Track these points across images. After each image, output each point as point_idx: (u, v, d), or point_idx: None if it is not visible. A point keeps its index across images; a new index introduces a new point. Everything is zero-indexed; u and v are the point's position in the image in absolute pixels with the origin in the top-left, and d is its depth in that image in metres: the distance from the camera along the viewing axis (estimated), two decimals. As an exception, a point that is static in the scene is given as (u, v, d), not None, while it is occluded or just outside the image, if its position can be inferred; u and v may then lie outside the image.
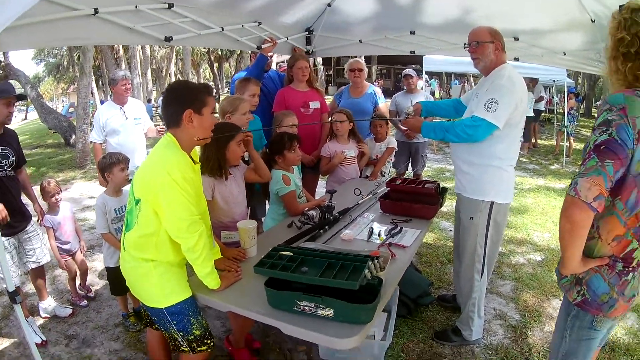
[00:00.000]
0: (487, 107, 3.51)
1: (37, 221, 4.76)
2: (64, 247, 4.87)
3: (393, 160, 6.28)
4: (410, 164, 7.82)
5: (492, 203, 3.78)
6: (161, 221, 2.77)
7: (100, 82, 38.24)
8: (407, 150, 7.65)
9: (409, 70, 7.93)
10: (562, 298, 2.53)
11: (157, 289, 2.89)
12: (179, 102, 2.79)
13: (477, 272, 3.97)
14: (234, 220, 3.77)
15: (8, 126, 4.28)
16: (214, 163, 3.59)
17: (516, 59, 5.78)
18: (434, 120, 4.37)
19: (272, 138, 4.75)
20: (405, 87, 7.81)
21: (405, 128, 7.17)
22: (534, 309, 4.75)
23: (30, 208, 4.65)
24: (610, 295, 2.19)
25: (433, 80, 35.07)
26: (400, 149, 7.55)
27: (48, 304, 4.82)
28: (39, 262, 4.56)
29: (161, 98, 4.01)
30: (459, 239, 4.14)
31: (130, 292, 3.21)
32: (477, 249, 3.91)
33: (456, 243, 4.25)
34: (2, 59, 17.15)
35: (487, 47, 3.69)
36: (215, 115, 2.96)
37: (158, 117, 22.96)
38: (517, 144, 3.86)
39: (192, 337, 2.97)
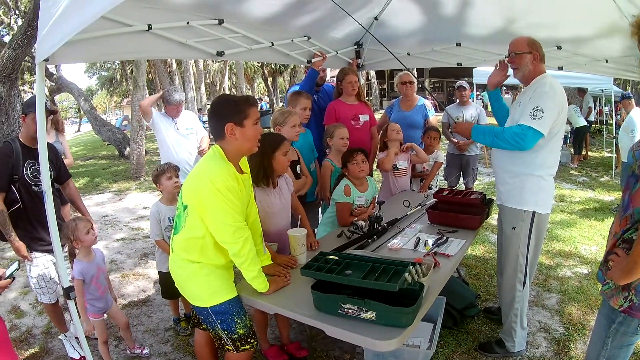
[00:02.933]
0: (533, 115, 3.54)
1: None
2: (97, 304, 4.04)
3: (440, 174, 6.31)
4: (462, 177, 7.84)
5: (534, 213, 3.79)
6: (207, 226, 2.91)
7: (154, 96, 38.92)
8: (459, 162, 7.66)
9: (462, 82, 7.95)
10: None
11: (203, 289, 3.05)
12: (220, 116, 2.94)
13: (520, 282, 3.97)
14: (271, 231, 3.87)
15: (53, 140, 4.33)
16: (258, 172, 3.66)
17: (560, 68, 5.77)
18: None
19: (345, 152, 4.88)
20: (457, 99, 7.82)
21: (457, 141, 7.22)
22: (578, 322, 4.70)
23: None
24: None
25: (485, 92, 34.70)
26: (451, 161, 7.58)
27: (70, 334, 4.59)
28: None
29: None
30: (501, 249, 4.15)
31: (181, 297, 3.33)
32: (519, 259, 3.92)
33: (499, 254, 4.26)
34: (55, 72, 17.62)
35: (524, 57, 3.74)
36: (258, 125, 3.04)
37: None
38: (557, 153, 3.87)
39: (236, 336, 3.08)
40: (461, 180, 7.86)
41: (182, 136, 6.13)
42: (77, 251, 3.99)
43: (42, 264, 4.17)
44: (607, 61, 5.59)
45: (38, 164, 3.94)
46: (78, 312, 3.75)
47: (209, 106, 3.64)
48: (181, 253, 3.06)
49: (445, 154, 6.85)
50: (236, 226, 2.88)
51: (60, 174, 4.40)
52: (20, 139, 4.11)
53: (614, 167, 12.43)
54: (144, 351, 4.39)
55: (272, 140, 3.69)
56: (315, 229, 5.04)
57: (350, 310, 2.60)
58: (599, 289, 2.44)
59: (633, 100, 10.00)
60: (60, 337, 4.50)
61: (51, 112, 4.48)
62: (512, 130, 3.66)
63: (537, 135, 3.55)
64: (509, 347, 4.14)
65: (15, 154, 3.97)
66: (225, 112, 2.92)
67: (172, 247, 3.17)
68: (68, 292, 3.09)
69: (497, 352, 4.18)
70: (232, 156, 3.00)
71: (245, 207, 3.17)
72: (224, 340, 3.11)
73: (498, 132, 3.79)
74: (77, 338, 4.38)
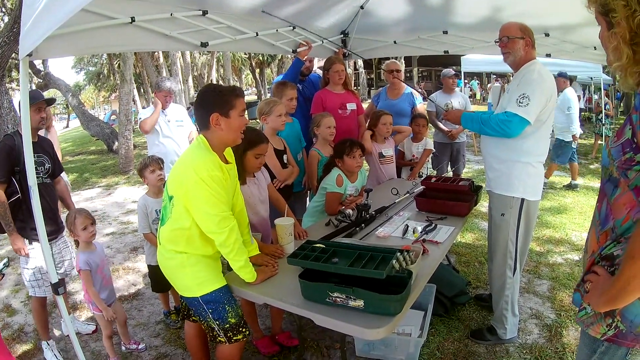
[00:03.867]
0: (519, 102, 3.55)
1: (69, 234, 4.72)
2: (102, 295, 4.02)
3: (430, 161, 6.33)
4: (450, 164, 7.85)
5: (522, 200, 3.80)
6: (193, 217, 2.91)
7: (142, 90, 38.85)
8: (449, 150, 7.69)
9: (450, 70, 7.96)
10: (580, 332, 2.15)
11: (191, 279, 3.03)
12: (207, 106, 2.93)
13: (510, 268, 3.98)
14: (253, 221, 3.86)
15: (42, 135, 4.33)
16: (237, 165, 3.61)
17: (548, 55, 5.82)
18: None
19: (338, 142, 4.85)
20: (443, 87, 7.82)
21: (448, 129, 7.22)
22: (570, 309, 4.71)
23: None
24: None
25: (474, 80, 34.81)
26: (441, 149, 7.59)
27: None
28: (67, 274, 4.63)
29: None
30: (491, 236, 4.15)
31: (171, 290, 3.31)
32: (508, 246, 3.93)
33: (489, 241, 4.26)
34: (42, 68, 17.56)
35: (517, 42, 3.73)
36: (244, 117, 3.04)
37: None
38: (547, 140, 3.87)
39: (228, 325, 3.06)
40: (449, 167, 7.86)
41: (172, 128, 6.12)
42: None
43: (39, 255, 4.13)
44: (595, 48, 5.60)
45: (38, 156, 4.05)
46: (92, 305, 3.89)
47: None
48: (168, 244, 3.05)
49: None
50: (222, 216, 2.87)
51: (55, 168, 4.42)
52: (21, 132, 4.07)
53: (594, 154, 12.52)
54: (140, 346, 4.36)
55: (248, 139, 3.58)
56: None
57: (338, 299, 2.58)
58: (576, 315, 2.05)
59: (568, 80, 10.03)
60: (42, 344, 4.42)
61: (50, 101, 4.45)
62: (498, 117, 3.67)
63: (523, 122, 3.56)
64: (501, 334, 4.15)
65: (17, 147, 3.97)
66: (211, 102, 2.92)
67: (159, 239, 3.15)
68: (57, 287, 3.08)
69: (489, 339, 4.19)
70: (216, 146, 2.99)
71: (231, 197, 3.16)
72: (216, 331, 3.09)
73: (485, 119, 3.80)
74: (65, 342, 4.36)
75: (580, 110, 15.33)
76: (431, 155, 6.28)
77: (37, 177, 3.92)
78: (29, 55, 2.76)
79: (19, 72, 3.05)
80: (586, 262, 2.00)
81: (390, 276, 2.53)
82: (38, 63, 17.18)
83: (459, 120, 4.09)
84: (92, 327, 4.72)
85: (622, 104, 28.44)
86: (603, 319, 1.87)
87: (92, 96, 62.12)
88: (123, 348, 4.36)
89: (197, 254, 3.03)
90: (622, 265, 1.64)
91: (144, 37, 3.91)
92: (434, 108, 7.51)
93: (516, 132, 3.62)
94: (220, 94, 2.95)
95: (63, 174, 5.90)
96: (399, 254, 2.63)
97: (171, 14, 4.02)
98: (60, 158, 6.20)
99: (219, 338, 3.11)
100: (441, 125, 7.36)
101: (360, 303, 2.53)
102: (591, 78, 15.83)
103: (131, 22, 3.66)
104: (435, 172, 6.27)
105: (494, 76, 30.53)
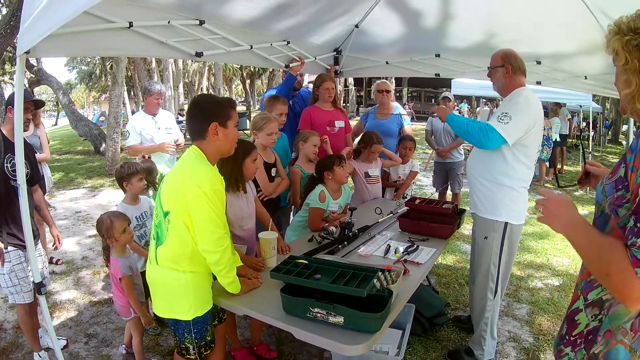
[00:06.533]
0: (500, 118, 3.63)
1: (53, 247, 4.65)
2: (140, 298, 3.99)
3: (416, 183, 6.39)
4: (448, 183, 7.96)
5: (506, 224, 3.85)
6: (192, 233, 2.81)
7: (132, 93, 38.74)
8: (443, 170, 7.78)
9: (447, 93, 8.04)
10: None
11: (193, 301, 2.90)
12: (205, 115, 2.86)
13: (491, 291, 4.02)
14: (241, 234, 3.88)
15: (30, 134, 4.21)
16: (229, 177, 3.61)
17: (538, 83, 5.87)
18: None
19: (321, 158, 4.88)
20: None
21: (437, 147, 7.30)
22: (548, 333, 4.77)
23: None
24: None
25: (463, 103, 35.03)
26: (437, 168, 7.67)
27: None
28: (45, 285, 4.46)
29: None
30: (474, 258, 4.20)
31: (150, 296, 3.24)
32: (490, 269, 3.97)
33: (472, 263, 4.31)
34: (35, 64, 17.50)
35: (497, 71, 3.87)
36: (236, 128, 3.02)
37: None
38: (531, 165, 3.92)
39: (204, 342, 3.02)
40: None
41: (162, 135, 6.08)
42: (112, 247, 3.85)
43: (15, 259, 3.93)
44: (586, 77, 5.68)
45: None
46: (132, 308, 3.83)
47: (186, 107, 3.51)
48: (169, 263, 2.89)
49: (420, 164, 6.89)
50: (219, 234, 2.80)
51: (33, 175, 4.19)
52: (3, 131, 3.96)
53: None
54: (120, 349, 4.36)
55: (244, 147, 3.68)
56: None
57: (319, 315, 2.61)
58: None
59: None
60: (34, 356, 4.25)
61: (38, 104, 4.38)
62: (480, 125, 3.75)
63: (501, 138, 3.63)
64: (478, 355, 4.17)
65: None
66: (210, 111, 2.87)
67: (155, 258, 2.95)
68: (39, 287, 3.04)
69: None
70: (212, 157, 2.92)
71: (225, 212, 3.07)
72: (191, 351, 3.01)
73: (469, 122, 3.90)
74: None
75: (565, 136, 15.47)
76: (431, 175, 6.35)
77: (15, 180, 3.83)
78: (27, 52, 2.76)
79: (11, 65, 3.03)
80: (573, 295, 2.04)
81: (371, 294, 2.56)
82: (32, 59, 17.09)
83: (444, 118, 4.14)
84: (64, 342, 4.49)
85: (609, 132, 28.71)
86: None
87: (82, 95, 61.73)
88: (121, 350, 4.34)
89: (199, 272, 2.93)
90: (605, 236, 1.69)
91: (140, 43, 3.91)
92: (431, 127, 7.57)
93: (492, 145, 3.69)
94: (218, 103, 2.93)
95: (47, 171, 5.85)
96: (380, 273, 2.66)
97: (169, 22, 4.04)
98: (48, 157, 6.22)
99: (188, 356, 3.03)
100: (432, 143, 7.43)
101: (340, 319, 2.56)
102: (580, 106, 15.98)
103: (129, 27, 3.66)
104: (427, 192, 6.32)
105: (484, 100, 30.72)
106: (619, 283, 1.56)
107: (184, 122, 3.81)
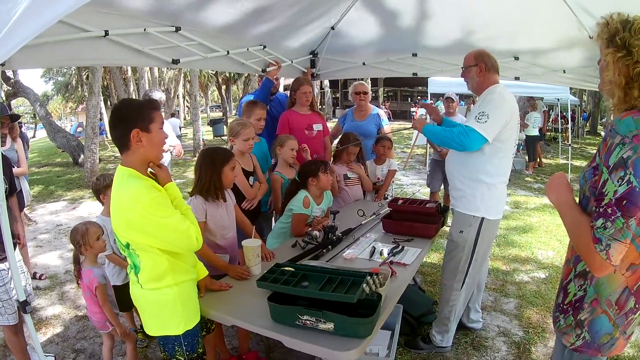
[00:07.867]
0: (477, 118, 3.66)
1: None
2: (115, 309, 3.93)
3: (395, 182, 6.38)
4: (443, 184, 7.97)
5: (482, 219, 3.90)
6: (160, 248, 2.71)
7: (109, 103, 38.46)
8: (442, 168, 7.80)
9: (450, 94, 8.05)
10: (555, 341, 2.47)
11: (180, 316, 2.83)
12: (124, 122, 2.66)
13: (458, 282, 4.09)
14: (223, 243, 3.84)
15: (7, 148, 4.11)
16: (208, 186, 3.60)
17: (516, 78, 5.88)
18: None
19: (304, 163, 4.90)
20: (445, 110, 7.89)
21: (440, 149, 7.32)
22: (537, 325, 4.80)
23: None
24: (613, 335, 2.07)
25: (439, 101, 35.23)
26: (435, 167, 7.68)
27: None
28: (29, 302, 4.37)
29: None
30: (447, 249, 4.23)
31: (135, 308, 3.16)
32: (461, 261, 4.03)
33: (445, 253, 4.32)
34: (12, 77, 17.33)
35: (470, 70, 3.93)
36: (162, 130, 2.81)
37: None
38: (508, 160, 3.98)
39: (196, 354, 2.95)
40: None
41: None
42: (83, 258, 3.75)
43: None
44: (564, 71, 5.70)
45: None
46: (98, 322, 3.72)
47: (163, 115, 3.34)
48: (152, 285, 2.79)
49: (399, 163, 6.88)
50: (180, 228, 2.65)
51: (10, 189, 4.15)
52: None
53: (569, 174, 12.64)
54: None
55: (222, 155, 3.67)
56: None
57: (308, 322, 2.58)
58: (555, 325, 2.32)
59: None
60: None
61: (14, 118, 4.30)
62: (458, 130, 3.77)
63: (481, 138, 3.66)
64: (437, 341, 4.29)
65: None
66: (130, 118, 2.65)
67: (138, 283, 2.83)
68: (24, 305, 2.94)
69: (423, 347, 4.36)
70: (141, 167, 2.74)
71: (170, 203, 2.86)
72: None
73: (446, 129, 3.94)
74: None
75: (540, 130, 15.60)
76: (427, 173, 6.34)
77: None
78: (2, 64, 2.72)
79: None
80: (564, 270, 2.31)
81: (360, 299, 2.54)
82: (8, 71, 16.91)
83: (420, 129, 4.20)
84: (52, 358, 4.40)
85: (588, 124, 29.05)
86: (574, 329, 2.15)
87: (59, 107, 61.22)
88: None
89: (186, 281, 2.87)
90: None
91: (116, 52, 3.85)
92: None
93: (473, 146, 3.72)
94: (138, 107, 2.73)
95: (25, 185, 5.77)
96: (368, 277, 2.64)
97: (144, 29, 4.00)
98: (26, 171, 6.13)
99: None
100: (435, 145, 7.45)
101: (330, 326, 2.53)
102: (558, 99, 16.07)
103: (105, 36, 3.62)
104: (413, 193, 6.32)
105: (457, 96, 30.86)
106: (586, 254, 1.91)
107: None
